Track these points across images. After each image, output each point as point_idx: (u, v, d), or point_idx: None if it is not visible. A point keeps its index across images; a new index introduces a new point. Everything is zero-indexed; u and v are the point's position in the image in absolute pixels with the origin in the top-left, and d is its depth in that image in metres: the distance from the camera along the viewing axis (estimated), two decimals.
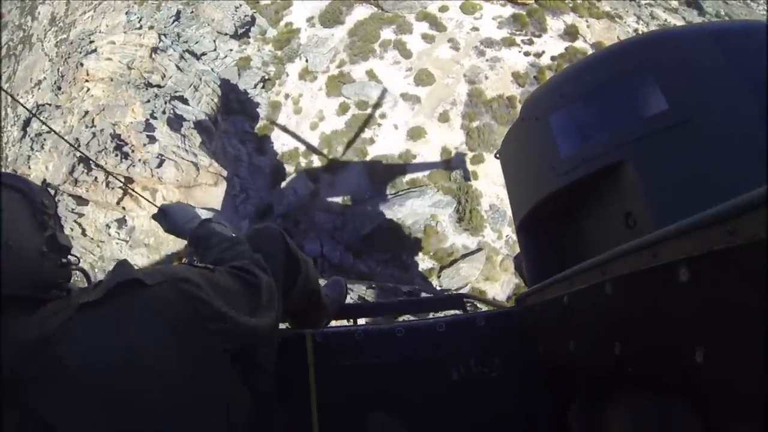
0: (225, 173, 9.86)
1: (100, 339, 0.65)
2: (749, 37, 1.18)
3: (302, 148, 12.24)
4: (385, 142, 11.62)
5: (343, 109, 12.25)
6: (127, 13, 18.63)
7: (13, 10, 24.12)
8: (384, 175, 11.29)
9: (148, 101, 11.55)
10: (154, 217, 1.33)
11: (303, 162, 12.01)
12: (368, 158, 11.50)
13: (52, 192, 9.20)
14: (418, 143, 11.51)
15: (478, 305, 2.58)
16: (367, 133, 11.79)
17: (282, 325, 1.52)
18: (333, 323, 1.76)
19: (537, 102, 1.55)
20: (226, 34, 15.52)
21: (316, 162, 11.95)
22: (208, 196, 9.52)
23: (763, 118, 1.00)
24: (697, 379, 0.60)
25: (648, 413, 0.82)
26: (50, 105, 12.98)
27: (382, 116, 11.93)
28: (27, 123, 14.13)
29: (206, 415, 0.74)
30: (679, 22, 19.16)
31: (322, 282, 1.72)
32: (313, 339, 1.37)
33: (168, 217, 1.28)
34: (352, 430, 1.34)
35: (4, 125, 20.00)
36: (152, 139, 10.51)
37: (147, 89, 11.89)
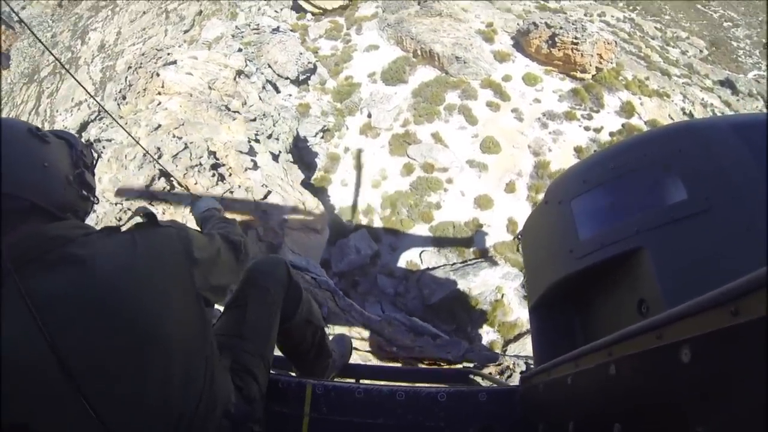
0: (328, 219, 8.91)
1: (113, 247, 0.81)
2: None
3: (363, 205, 12.06)
4: (451, 208, 11.46)
5: (408, 170, 12.17)
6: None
7: (65, 31, 24.72)
8: (450, 241, 11.05)
9: (254, 119, 10.43)
10: (190, 203, 1.64)
11: (364, 220, 11.78)
12: (434, 223, 11.29)
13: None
14: (486, 212, 11.37)
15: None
16: (433, 198, 11.65)
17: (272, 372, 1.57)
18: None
19: (561, 186, 1.60)
20: (286, 78, 15.68)
21: (377, 222, 11.72)
22: (311, 242, 8.24)
23: None
24: None
25: None
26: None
27: (449, 181, 11.84)
28: (83, 128, 13.61)
29: (186, 338, 0.85)
30: (715, 101, 19.84)
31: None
32: (313, 389, 1.38)
33: (194, 203, 1.59)
34: None
35: None
36: (254, 165, 8.90)
37: (228, 113, 10.76)
